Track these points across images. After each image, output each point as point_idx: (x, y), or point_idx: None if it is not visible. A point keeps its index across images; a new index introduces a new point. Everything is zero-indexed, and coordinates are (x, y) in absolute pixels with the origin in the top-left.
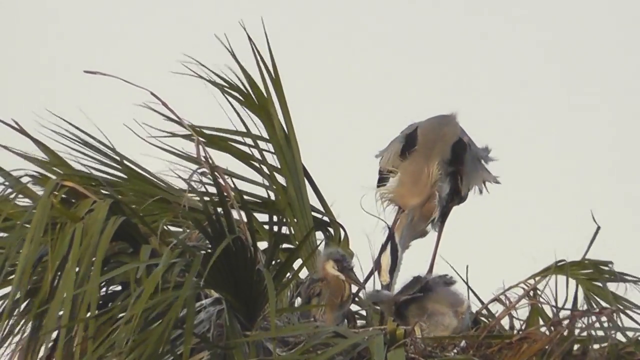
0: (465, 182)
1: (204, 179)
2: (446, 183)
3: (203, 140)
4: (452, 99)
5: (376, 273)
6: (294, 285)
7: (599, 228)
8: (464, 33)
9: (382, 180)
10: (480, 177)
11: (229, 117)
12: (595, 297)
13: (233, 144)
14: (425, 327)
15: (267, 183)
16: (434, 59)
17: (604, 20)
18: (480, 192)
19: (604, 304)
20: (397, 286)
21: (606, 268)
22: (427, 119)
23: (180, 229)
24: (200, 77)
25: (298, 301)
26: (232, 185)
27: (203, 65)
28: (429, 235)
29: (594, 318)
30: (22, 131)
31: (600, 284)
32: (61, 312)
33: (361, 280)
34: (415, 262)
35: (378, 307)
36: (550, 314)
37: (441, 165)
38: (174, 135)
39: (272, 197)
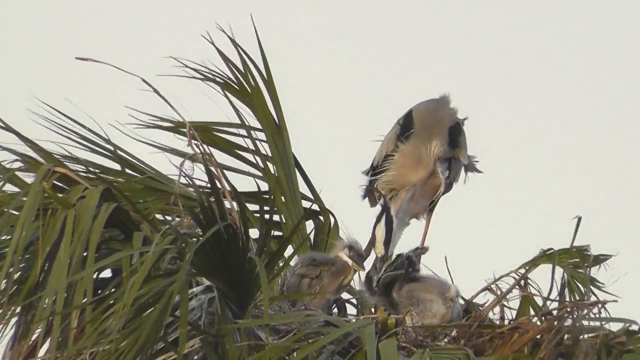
0: (454, 167)
1: (196, 167)
2: (444, 165)
3: (194, 129)
4: (444, 89)
5: (372, 245)
6: (285, 273)
7: (580, 218)
8: (461, 29)
9: (375, 175)
10: (467, 164)
11: (220, 107)
12: (582, 286)
13: (224, 135)
14: (415, 314)
15: (258, 172)
16: (425, 50)
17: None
18: (465, 180)
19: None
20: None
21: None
22: (422, 102)
23: (171, 219)
24: (190, 68)
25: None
26: (224, 174)
27: (191, 60)
28: (417, 225)
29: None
30: (8, 128)
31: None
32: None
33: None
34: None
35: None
36: (541, 303)
37: (441, 144)
38: (164, 119)
39: (263, 185)
